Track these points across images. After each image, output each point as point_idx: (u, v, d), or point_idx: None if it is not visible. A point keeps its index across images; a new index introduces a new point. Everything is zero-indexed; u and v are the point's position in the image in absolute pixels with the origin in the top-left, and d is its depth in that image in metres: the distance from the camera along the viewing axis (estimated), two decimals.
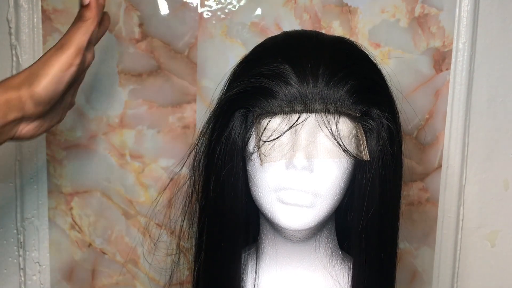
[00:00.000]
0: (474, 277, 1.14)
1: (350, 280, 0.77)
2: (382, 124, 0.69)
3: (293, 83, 0.66)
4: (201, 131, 0.76)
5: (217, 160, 0.71)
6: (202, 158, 0.76)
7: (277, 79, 0.67)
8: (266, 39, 0.78)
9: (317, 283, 0.77)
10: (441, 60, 1.07)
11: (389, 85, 0.75)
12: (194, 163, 0.77)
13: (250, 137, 0.70)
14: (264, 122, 0.68)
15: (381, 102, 0.70)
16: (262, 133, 0.68)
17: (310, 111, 0.66)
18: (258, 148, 0.68)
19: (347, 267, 0.78)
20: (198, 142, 0.77)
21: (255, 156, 0.69)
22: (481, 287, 1.14)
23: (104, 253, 1.14)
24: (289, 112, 0.67)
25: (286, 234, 0.72)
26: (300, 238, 0.73)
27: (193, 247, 0.81)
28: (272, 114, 0.67)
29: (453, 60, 1.07)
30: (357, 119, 0.68)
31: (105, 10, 1.06)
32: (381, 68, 0.75)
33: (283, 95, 0.66)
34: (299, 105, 0.66)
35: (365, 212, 0.71)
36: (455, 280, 1.13)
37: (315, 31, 0.79)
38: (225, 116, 0.71)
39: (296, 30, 0.79)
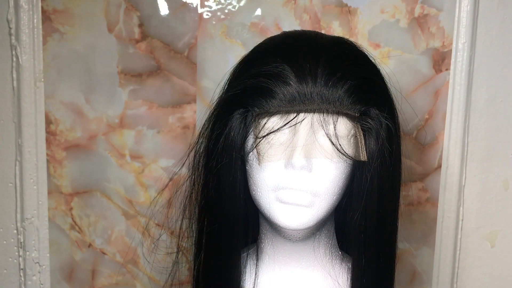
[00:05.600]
0: (474, 277, 1.14)
1: (349, 280, 0.77)
2: (381, 124, 0.69)
3: (292, 83, 0.66)
4: (201, 131, 0.76)
5: (216, 160, 0.71)
6: (202, 158, 0.76)
7: (276, 79, 0.67)
8: (266, 39, 0.78)
9: (316, 283, 0.77)
10: (440, 60, 1.07)
11: (388, 85, 0.75)
12: (193, 163, 0.78)
13: (249, 136, 0.70)
14: (263, 121, 0.68)
15: (380, 102, 0.70)
16: (260, 132, 0.68)
17: (309, 111, 0.66)
18: (256, 146, 0.68)
19: (346, 267, 0.78)
20: (197, 141, 0.77)
21: (253, 155, 0.70)
22: (481, 287, 1.14)
23: (104, 253, 1.14)
24: (288, 112, 0.67)
25: (285, 234, 0.72)
26: (299, 237, 0.73)
27: (193, 247, 0.81)
28: (271, 113, 0.67)
29: (452, 60, 1.07)
30: (356, 119, 0.68)
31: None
32: (380, 68, 0.75)
33: (282, 95, 0.66)
34: (297, 105, 0.66)
35: (364, 211, 0.71)
36: (455, 280, 1.13)
37: (314, 31, 0.79)
38: (224, 116, 0.71)
39: (296, 30, 0.79)
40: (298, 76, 0.66)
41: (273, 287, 0.77)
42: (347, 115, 0.68)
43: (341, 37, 0.77)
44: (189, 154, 0.79)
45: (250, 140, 0.70)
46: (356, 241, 0.73)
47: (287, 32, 0.79)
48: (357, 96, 0.67)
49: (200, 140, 0.76)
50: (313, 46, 0.71)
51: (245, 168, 0.71)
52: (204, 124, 0.76)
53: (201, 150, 0.76)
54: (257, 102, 0.68)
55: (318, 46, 0.71)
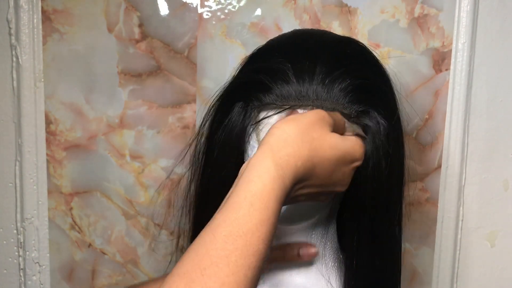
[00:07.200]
0: (474, 277, 1.14)
1: (342, 281, 0.77)
2: (379, 125, 0.69)
3: (290, 80, 0.67)
4: (201, 123, 0.77)
5: (216, 153, 0.72)
6: (201, 153, 0.77)
7: (275, 75, 0.68)
8: (277, 36, 0.80)
9: (309, 282, 0.77)
10: (440, 60, 1.07)
11: (394, 88, 0.75)
12: (193, 158, 0.78)
13: (248, 130, 0.71)
14: (260, 115, 0.69)
15: (379, 103, 0.70)
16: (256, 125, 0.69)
17: (304, 107, 0.67)
18: (252, 132, 0.70)
19: (344, 267, 0.78)
20: (198, 132, 0.78)
21: (251, 149, 0.70)
22: (481, 287, 1.14)
23: (104, 253, 1.14)
24: (284, 107, 0.68)
25: (281, 229, 0.72)
26: (294, 233, 0.73)
27: (188, 242, 0.81)
28: (268, 108, 0.69)
29: (452, 60, 1.07)
30: (352, 118, 0.68)
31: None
32: (385, 70, 0.75)
33: (279, 91, 0.67)
34: (293, 101, 0.67)
35: (357, 212, 0.71)
36: (455, 280, 1.13)
37: (324, 30, 0.80)
38: (225, 108, 0.72)
39: (305, 29, 0.80)
40: (296, 73, 0.67)
41: (265, 282, 0.77)
42: (342, 114, 0.68)
43: (348, 37, 0.77)
44: (188, 149, 0.80)
45: (249, 134, 0.71)
46: (349, 242, 0.73)
47: (296, 30, 0.80)
48: (354, 96, 0.67)
49: (199, 136, 0.77)
50: (316, 44, 0.72)
51: (244, 162, 0.72)
52: (204, 116, 0.77)
53: (200, 145, 0.77)
54: (255, 96, 0.69)
55: (321, 45, 0.71)
